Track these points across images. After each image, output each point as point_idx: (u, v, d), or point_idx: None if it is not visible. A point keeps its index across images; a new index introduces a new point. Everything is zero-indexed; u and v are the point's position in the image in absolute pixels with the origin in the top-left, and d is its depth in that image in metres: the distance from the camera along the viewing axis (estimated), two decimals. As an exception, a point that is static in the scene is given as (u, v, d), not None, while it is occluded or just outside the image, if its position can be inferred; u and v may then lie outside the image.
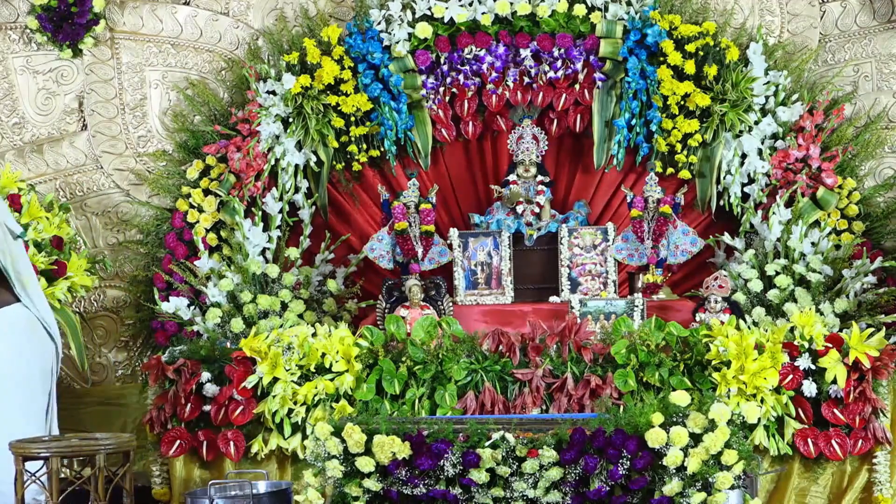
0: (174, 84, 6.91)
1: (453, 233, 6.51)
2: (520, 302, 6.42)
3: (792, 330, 5.59)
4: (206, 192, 6.59)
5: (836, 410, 5.49)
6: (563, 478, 4.47)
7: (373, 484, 4.56)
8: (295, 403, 5.55)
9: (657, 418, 4.44)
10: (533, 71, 6.69)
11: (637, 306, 6.02)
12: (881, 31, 6.86)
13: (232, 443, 5.62)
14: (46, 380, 5.20)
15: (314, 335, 5.70)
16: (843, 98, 6.76)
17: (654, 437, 4.40)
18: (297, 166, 6.64)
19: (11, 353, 5.05)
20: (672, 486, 4.40)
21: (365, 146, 6.70)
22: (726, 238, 6.56)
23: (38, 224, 5.96)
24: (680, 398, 4.60)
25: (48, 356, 5.24)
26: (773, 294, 6.19)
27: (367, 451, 4.55)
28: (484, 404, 5.47)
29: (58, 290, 5.84)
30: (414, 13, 6.67)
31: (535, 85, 6.71)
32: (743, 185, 6.60)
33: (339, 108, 6.62)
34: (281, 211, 6.59)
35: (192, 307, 6.33)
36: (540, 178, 6.71)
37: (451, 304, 6.24)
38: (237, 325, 6.14)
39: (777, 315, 6.12)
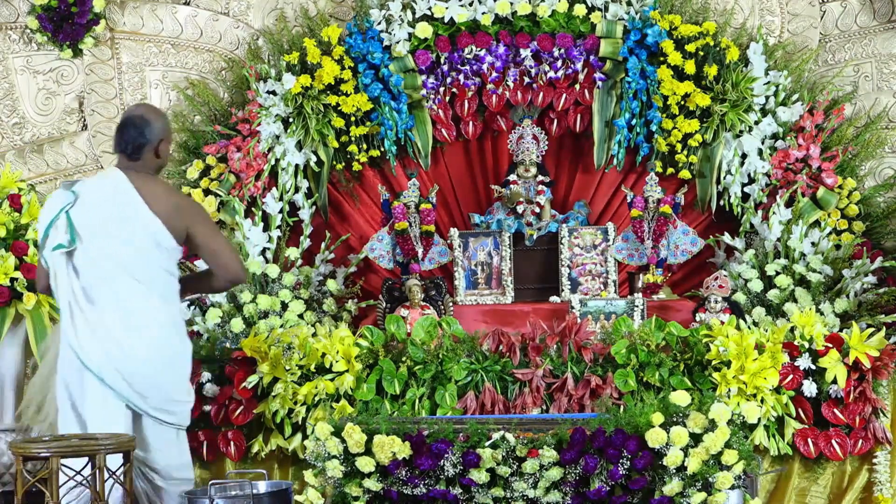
0: (174, 84, 6.91)
1: (453, 233, 6.51)
2: (520, 302, 6.42)
3: (792, 330, 5.59)
4: (207, 192, 6.59)
5: (836, 410, 5.48)
6: (563, 478, 4.46)
7: (373, 484, 4.56)
8: (295, 403, 5.54)
9: (657, 418, 4.43)
10: (533, 71, 6.68)
11: (637, 306, 6.02)
12: (881, 31, 6.86)
13: (232, 443, 5.62)
14: None
15: (314, 335, 5.70)
16: (843, 98, 6.76)
17: (654, 437, 4.39)
18: (297, 166, 6.63)
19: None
20: (672, 486, 4.40)
21: (365, 146, 6.69)
22: (726, 238, 6.56)
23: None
24: (680, 398, 4.59)
25: None
26: (773, 294, 6.19)
27: (368, 451, 4.55)
28: (484, 404, 5.47)
29: (58, 290, 5.83)
30: (414, 13, 6.66)
31: (535, 85, 6.71)
32: (743, 185, 6.60)
33: (339, 108, 6.61)
34: (281, 211, 6.59)
35: (192, 307, 6.32)
36: (540, 178, 6.71)
37: (451, 304, 6.24)
38: (237, 325, 6.14)
39: (777, 315, 6.12)
